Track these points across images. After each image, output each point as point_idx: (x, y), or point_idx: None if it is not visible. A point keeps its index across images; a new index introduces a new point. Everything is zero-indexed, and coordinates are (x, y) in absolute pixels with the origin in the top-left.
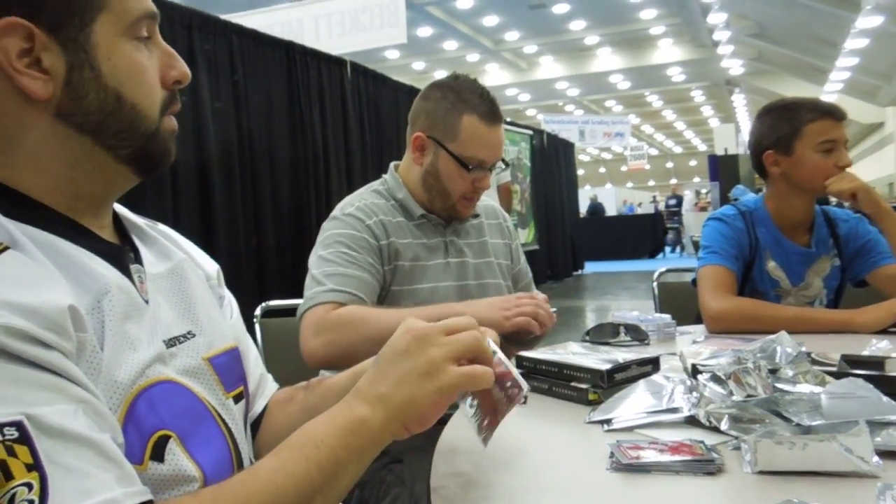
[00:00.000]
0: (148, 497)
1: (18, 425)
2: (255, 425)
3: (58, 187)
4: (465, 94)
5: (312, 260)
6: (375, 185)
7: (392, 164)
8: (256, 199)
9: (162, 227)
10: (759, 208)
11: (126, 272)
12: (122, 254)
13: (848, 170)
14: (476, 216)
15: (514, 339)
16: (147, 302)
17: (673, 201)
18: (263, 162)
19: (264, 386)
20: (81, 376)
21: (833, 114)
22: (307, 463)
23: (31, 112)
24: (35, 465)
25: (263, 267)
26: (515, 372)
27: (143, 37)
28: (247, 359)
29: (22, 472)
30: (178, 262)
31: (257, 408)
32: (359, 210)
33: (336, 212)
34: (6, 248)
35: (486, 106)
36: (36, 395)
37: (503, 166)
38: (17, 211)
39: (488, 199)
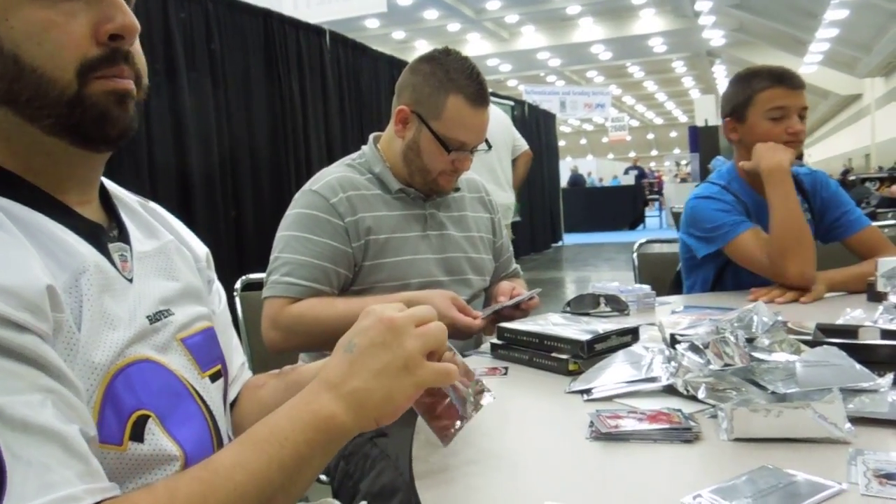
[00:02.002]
0: (112, 494)
1: None
2: (231, 407)
3: (7, 162)
4: (453, 73)
5: (278, 237)
6: (350, 158)
7: (372, 136)
8: (235, 170)
9: (153, 205)
10: (734, 178)
11: (104, 251)
12: (99, 232)
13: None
14: (457, 189)
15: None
16: (131, 280)
17: (635, 172)
18: (241, 132)
19: (241, 374)
20: (56, 360)
21: (785, 81)
22: (269, 461)
23: None
24: None
25: (243, 239)
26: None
27: None
28: (229, 347)
29: None
30: (165, 242)
31: (232, 393)
32: (325, 186)
33: (306, 185)
34: None
35: (474, 87)
36: (2, 383)
37: (486, 147)
38: None
39: (471, 173)
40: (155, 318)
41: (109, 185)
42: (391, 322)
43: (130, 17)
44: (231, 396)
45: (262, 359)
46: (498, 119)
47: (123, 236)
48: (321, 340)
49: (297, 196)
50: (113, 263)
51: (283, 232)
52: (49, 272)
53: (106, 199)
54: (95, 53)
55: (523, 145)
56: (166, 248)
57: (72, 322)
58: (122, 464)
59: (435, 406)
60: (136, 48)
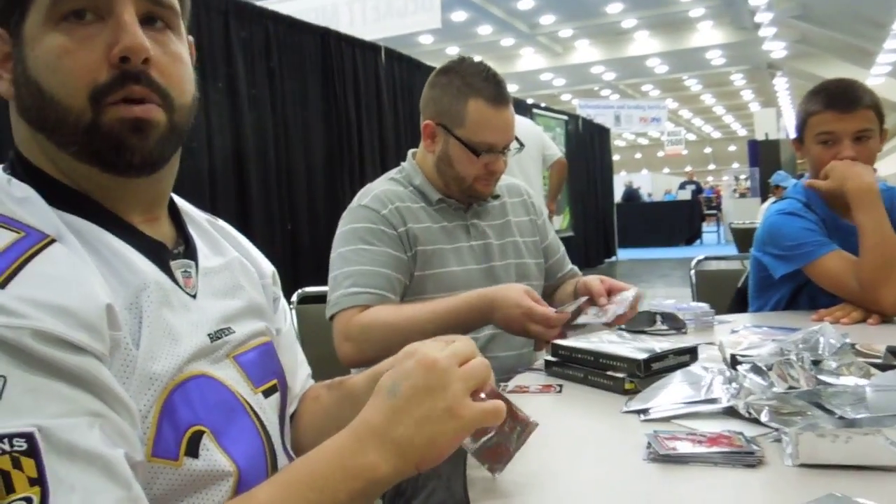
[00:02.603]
0: None
1: (29, 437)
2: (291, 419)
3: (66, 181)
4: (469, 79)
5: (333, 257)
6: (392, 173)
7: (410, 152)
8: (291, 183)
9: (222, 223)
10: (811, 195)
11: (165, 268)
12: (161, 250)
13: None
14: (497, 196)
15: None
16: (194, 296)
17: (692, 186)
18: (298, 147)
19: (305, 387)
20: (110, 381)
21: (835, 105)
22: None
23: (14, 111)
24: (39, 481)
25: (298, 252)
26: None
27: (72, 15)
28: (293, 363)
29: (24, 485)
30: (231, 259)
31: (291, 407)
32: (374, 199)
33: (353, 202)
34: (52, 242)
35: (492, 89)
36: (52, 406)
37: (518, 146)
38: (61, 200)
39: (510, 177)
40: (216, 335)
41: (179, 201)
42: (434, 365)
43: (136, 39)
44: (290, 410)
45: (318, 371)
46: (525, 129)
47: (190, 253)
48: (396, 347)
49: (345, 214)
50: (175, 280)
51: (340, 249)
52: (110, 289)
53: (175, 215)
54: (105, 78)
55: (555, 154)
56: (231, 265)
57: (129, 340)
58: (178, 480)
59: (482, 440)
60: (164, 68)
